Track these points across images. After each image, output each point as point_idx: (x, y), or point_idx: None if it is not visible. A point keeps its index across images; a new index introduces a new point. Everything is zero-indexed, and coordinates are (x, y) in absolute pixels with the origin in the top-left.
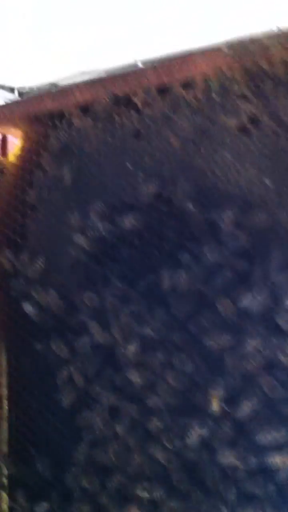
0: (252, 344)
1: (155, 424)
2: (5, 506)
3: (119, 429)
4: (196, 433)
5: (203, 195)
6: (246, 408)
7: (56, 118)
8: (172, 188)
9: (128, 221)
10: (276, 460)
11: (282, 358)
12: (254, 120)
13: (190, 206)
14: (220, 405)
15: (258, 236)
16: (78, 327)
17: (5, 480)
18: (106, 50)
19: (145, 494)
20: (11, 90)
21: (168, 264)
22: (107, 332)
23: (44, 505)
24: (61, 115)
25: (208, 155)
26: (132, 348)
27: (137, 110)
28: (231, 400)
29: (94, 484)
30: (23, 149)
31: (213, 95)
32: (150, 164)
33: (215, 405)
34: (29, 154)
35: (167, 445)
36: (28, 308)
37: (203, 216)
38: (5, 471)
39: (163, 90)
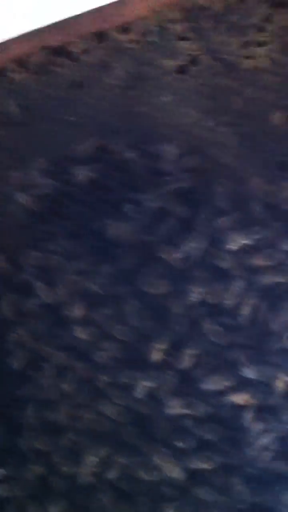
0: (196, 290)
1: (102, 380)
2: None
3: (68, 387)
4: (142, 386)
5: (145, 141)
6: (190, 356)
7: None
8: (114, 137)
9: (72, 176)
10: (234, 399)
11: (226, 302)
12: (194, 61)
13: (132, 154)
14: (165, 356)
15: (200, 179)
16: (24, 288)
17: None
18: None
19: (96, 451)
20: None
21: (113, 217)
22: (53, 292)
23: (0, 471)
24: None
25: (149, 99)
26: (78, 306)
27: (76, 59)
28: (176, 349)
29: (46, 445)
30: None
31: (151, 37)
32: (92, 114)
33: (160, 356)
34: None
35: (115, 399)
36: None
37: (145, 163)
38: None
39: (100, 36)
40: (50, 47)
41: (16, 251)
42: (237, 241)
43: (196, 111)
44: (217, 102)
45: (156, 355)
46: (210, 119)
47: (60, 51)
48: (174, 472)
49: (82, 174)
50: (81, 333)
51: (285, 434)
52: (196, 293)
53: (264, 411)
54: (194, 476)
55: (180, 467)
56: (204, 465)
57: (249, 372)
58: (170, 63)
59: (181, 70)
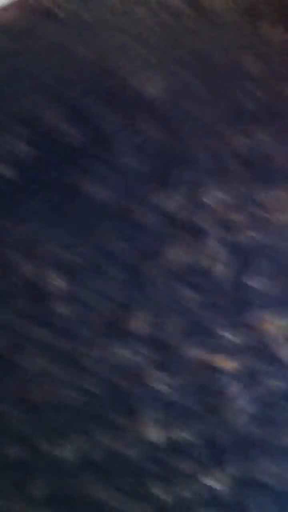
0: (172, 251)
1: (81, 354)
2: None
3: (47, 364)
4: (122, 357)
5: (118, 101)
6: (169, 322)
7: None
8: (86, 95)
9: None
10: (222, 364)
11: (203, 262)
12: None
13: (105, 113)
14: (144, 324)
15: (172, 134)
16: (0, 262)
17: None
18: None
19: (78, 429)
20: None
21: (89, 180)
22: (31, 264)
23: None
24: None
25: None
26: (57, 277)
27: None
28: (155, 316)
29: (24, 425)
30: None
31: None
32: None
33: (139, 325)
34: None
35: (96, 374)
36: None
37: (115, 118)
38: None
39: None
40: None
41: None
42: (213, 196)
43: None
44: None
45: (134, 324)
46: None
47: None
48: (158, 445)
49: (55, 138)
50: (60, 308)
51: (268, 398)
52: (171, 255)
53: (247, 375)
54: (178, 449)
55: (164, 440)
56: (188, 437)
57: (230, 335)
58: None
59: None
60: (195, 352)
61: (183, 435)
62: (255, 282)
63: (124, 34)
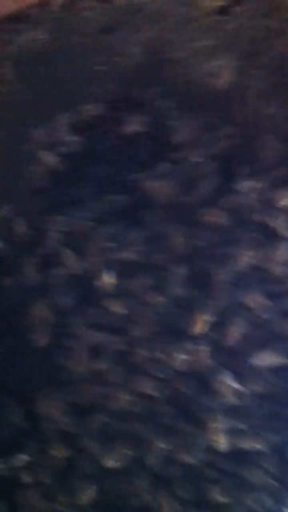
0: (244, 254)
1: (139, 355)
2: None
3: (100, 365)
4: (183, 360)
5: (182, 94)
6: (237, 328)
7: (15, 21)
8: (150, 88)
9: (101, 132)
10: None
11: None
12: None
13: (166, 106)
14: (209, 328)
15: (243, 134)
16: (49, 257)
17: None
18: None
19: (131, 433)
20: None
21: (147, 176)
22: (82, 260)
23: (22, 457)
24: (20, 17)
25: (187, 45)
26: (111, 275)
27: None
28: (221, 321)
29: (74, 428)
30: None
31: None
32: (123, 62)
33: (203, 328)
34: None
35: (154, 377)
36: None
37: (184, 119)
38: None
39: None
40: None
41: (39, 216)
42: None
43: (236, 57)
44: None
45: (199, 327)
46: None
47: None
48: (224, 454)
49: (111, 129)
50: (114, 306)
51: None
52: (243, 258)
53: None
54: (242, 456)
55: (227, 447)
56: (255, 445)
57: None
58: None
59: (224, 11)
60: (266, 359)
61: (252, 444)
62: None
63: (189, 24)
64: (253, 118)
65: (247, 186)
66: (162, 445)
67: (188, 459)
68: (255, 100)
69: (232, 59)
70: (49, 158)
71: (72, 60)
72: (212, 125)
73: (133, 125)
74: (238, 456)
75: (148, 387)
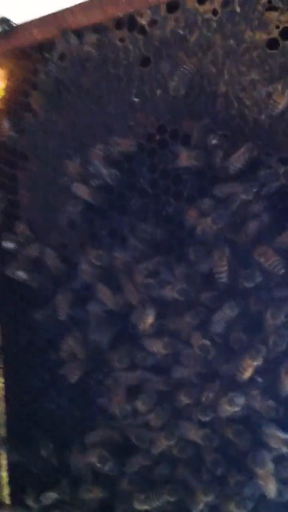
0: None
1: (182, 398)
2: (7, 499)
3: (137, 405)
4: (231, 408)
5: (225, 128)
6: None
7: (45, 49)
8: (190, 123)
9: (137, 165)
10: None
11: None
12: (286, 32)
13: (212, 141)
14: (257, 375)
15: None
16: (83, 292)
17: (5, 469)
18: None
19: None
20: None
21: (188, 210)
22: (119, 296)
23: (51, 495)
24: (51, 45)
25: (233, 79)
26: (150, 313)
27: (144, 32)
28: (273, 366)
29: (109, 469)
30: (8, 89)
31: (235, 6)
32: (160, 96)
33: (250, 374)
34: (16, 94)
35: (198, 421)
36: (20, 274)
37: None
38: (5, 458)
39: (173, 7)
40: (115, 18)
41: (73, 250)
42: None
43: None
44: None
45: (248, 373)
46: None
47: (126, 23)
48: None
49: (147, 163)
50: (155, 346)
51: None
52: None
53: None
54: None
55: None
56: None
57: None
58: (259, 36)
59: (272, 44)
60: None
61: None
62: None
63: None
64: None
65: None
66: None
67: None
68: None
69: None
70: (85, 191)
71: (107, 91)
72: (261, 161)
73: (179, 159)
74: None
75: (190, 434)
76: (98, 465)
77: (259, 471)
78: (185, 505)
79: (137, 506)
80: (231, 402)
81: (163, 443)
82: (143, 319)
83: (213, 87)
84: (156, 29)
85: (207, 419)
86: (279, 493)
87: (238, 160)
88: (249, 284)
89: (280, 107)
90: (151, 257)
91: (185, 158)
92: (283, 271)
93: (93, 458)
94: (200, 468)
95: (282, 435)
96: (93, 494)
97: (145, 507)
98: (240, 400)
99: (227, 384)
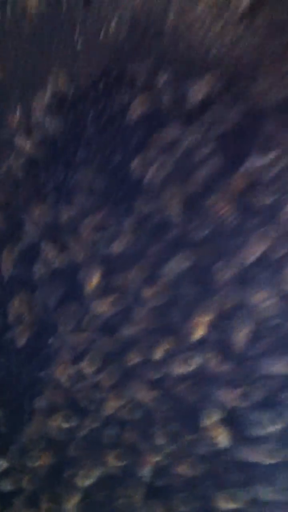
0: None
1: (132, 357)
2: None
3: (87, 367)
4: (184, 366)
5: (175, 66)
6: (241, 332)
7: None
8: (133, 62)
9: (79, 113)
10: None
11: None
12: None
13: (160, 80)
14: (209, 331)
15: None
16: (29, 251)
17: None
18: None
19: (121, 440)
20: None
21: (135, 159)
22: (65, 253)
23: (0, 463)
24: None
25: (178, 15)
26: (96, 272)
27: None
28: (224, 324)
29: (60, 435)
30: None
31: None
32: (103, 36)
33: (203, 331)
34: None
35: (148, 380)
36: None
37: (176, 92)
38: None
39: None
40: None
41: (17, 207)
42: None
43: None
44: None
45: (199, 329)
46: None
47: None
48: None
49: (92, 110)
50: (102, 305)
51: None
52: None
53: None
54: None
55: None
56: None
57: None
58: None
59: None
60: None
61: None
62: None
63: None
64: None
65: (255, 166)
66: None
67: (185, 470)
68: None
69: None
70: (25, 144)
71: (49, 36)
72: (205, 105)
73: (109, 106)
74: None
75: (140, 394)
76: (64, 425)
77: (208, 425)
78: (134, 469)
79: (80, 484)
80: (186, 362)
81: (113, 405)
82: (89, 279)
83: (159, 25)
84: None
85: (158, 377)
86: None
87: (198, 94)
88: (199, 235)
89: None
90: (98, 211)
91: (137, 108)
92: (234, 221)
93: (54, 422)
94: (150, 430)
95: (232, 392)
96: (42, 461)
97: (88, 482)
98: (195, 361)
99: (179, 341)
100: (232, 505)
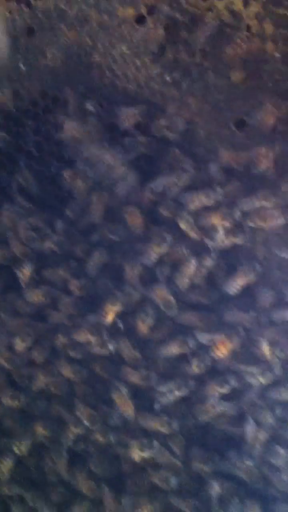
0: (155, 250)
1: (59, 340)
2: None
3: (21, 348)
4: (98, 348)
5: (101, 94)
6: (144, 320)
7: None
8: (68, 88)
9: (23, 128)
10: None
11: (184, 265)
12: (152, 9)
13: (89, 106)
14: (115, 319)
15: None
16: None
17: None
18: None
19: (53, 412)
20: None
21: (68, 171)
22: (5, 250)
23: None
24: None
25: (106, 50)
26: (30, 265)
27: (29, 5)
28: (131, 313)
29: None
30: None
31: None
32: (43, 63)
33: (110, 318)
34: None
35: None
36: None
37: (101, 117)
38: None
39: None
40: None
41: None
42: (195, 201)
43: (155, 65)
44: (176, 55)
45: (109, 317)
46: (169, 74)
47: None
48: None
49: (32, 125)
50: (34, 295)
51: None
52: (153, 254)
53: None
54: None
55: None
56: (162, 429)
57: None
58: (128, 12)
59: (139, 19)
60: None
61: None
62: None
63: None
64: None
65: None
66: (78, 426)
67: (101, 438)
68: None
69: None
70: None
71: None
72: (128, 131)
73: (46, 124)
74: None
75: (66, 371)
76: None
77: (116, 398)
78: (59, 438)
79: (15, 448)
80: (103, 345)
81: (41, 381)
82: (23, 271)
83: (88, 58)
84: (41, 2)
85: (78, 356)
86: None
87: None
88: (114, 238)
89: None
90: (35, 213)
91: (69, 129)
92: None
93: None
94: (73, 403)
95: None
96: None
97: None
98: (111, 346)
99: (96, 325)
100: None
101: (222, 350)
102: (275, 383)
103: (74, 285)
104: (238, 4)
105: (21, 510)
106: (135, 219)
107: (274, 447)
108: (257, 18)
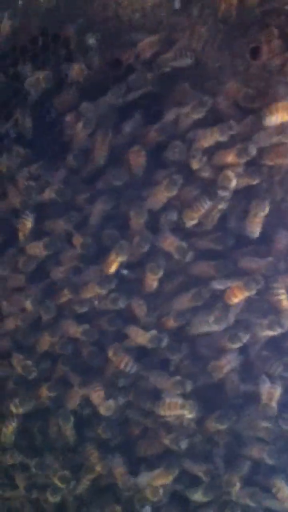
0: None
1: (63, 296)
2: None
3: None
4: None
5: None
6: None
7: None
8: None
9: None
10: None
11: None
12: None
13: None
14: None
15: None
16: None
17: None
18: None
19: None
20: None
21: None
22: (4, 201)
23: None
24: None
25: None
26: (31, 217)
27: None
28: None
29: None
30: None
31: None
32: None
33: (115, 269)
34: None
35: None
36: None
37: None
38: None
39: None
40: None
41: None
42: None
43: None
44: None
45: (113, 267)
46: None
47: None
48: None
49: (30, 67)
50: (35, 248)
51: None
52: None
53: None
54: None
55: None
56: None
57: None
58: None
59: None
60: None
61: None
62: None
63: None
64: None
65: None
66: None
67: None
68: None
69: None
70: None
71: None
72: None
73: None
74: None
75: (71, 330)
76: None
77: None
78: (63, 400)
79: (14, 409)
80: (112, 301)
81: (47, 341)
82: (23, 224)
83: None
84: None
85: (84, 310)
86: None
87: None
88: (118, 183)
89: None
90: (34, 162)
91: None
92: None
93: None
94: (78, 363)
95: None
96: None
97: (21, 410)
98: (120, 303)
99: (100, 279)
100: None
101: (238, 296)
102: None
103: (77, 237)
104: None
105: (25, 478)
106: (140, 160)
107: None
108: None
